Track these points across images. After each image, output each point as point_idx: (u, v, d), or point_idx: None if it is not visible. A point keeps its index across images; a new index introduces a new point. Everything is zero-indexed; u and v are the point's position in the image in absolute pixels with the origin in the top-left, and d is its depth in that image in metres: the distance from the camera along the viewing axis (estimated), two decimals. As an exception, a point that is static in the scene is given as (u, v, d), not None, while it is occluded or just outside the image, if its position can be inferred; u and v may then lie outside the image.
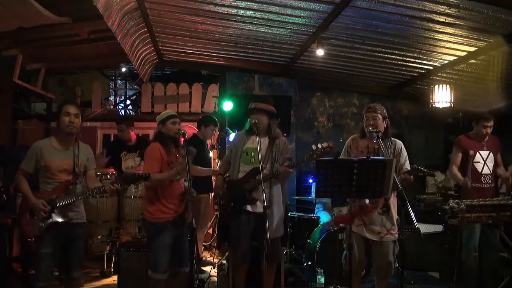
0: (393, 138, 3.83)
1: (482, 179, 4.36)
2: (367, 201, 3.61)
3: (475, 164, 4.38)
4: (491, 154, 4.41)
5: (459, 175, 4.40)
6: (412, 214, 3.17)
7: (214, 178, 5.05)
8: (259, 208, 3.71)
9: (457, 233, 4.39)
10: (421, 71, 6.21)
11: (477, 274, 4.25)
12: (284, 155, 3.85)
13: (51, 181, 3.32)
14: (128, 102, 10.18)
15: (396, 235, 3.61)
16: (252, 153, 3.82)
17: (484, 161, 4.38)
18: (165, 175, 3.54)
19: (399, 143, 3.80)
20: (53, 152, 3.33)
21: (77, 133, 3.40)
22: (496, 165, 4.42)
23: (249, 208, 3.75)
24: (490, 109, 4.76)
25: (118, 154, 5.36)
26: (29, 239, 3.30)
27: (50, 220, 3.23)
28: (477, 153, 4.40)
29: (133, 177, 3.32)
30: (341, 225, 4.56)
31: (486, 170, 4.37)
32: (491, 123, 4.38)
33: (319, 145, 3.62)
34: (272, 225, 3.70)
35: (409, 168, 3.66)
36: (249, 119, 3.88)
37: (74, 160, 3.37)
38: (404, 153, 3.76)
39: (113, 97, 9.61)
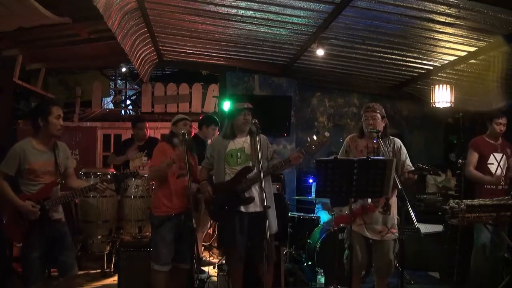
0: (391, 137, 3.84)
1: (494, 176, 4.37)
2: (369, 200, 3.62)
3: (489, 165, 4.41)
4: (504, 157, 4.44)
5: (479, 174, 4.40)
6: (412, 214, 3.17)
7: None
8: (252, 208, 3.70)
9: (457, 233, 4.40)
10: (421, 71, 6.21)
11: (485, 274, 4.26)
12: (269, 149, 3.88)
13: (36, 183, 3.26)
14: (128, 102, 10.19)
15: (397, 234, 3.62)
16: (238, 154, 3.79)
17: (498, 163, 4.40)
18: (160, 165, 3.68)
19: (398, 141, 3.81)
20: (36, 154, 3.26)
21: None
22: (508, 167, 4.45)
23: (242, 209, 3.72)
24: (501, 107, 4.77)
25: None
26: (18, 245, 3.25)
27: (40, 223, 3.20)
28: (492, 155, 4.42)
29: (123, 175, 3.60)
30: (341, 225, 4.55)
31: (499, 172, 4.40)
32: (503, 120, 4.42)
33: (314, 137, 3.62)
34: (269, 222, 3.70)
35: (410, 165, 3.69)
36: (231, 121, 3.87)
37: (56, 161, 3.32)
38: (404, 150, 3.77)
39: (114, 96, 9.61)
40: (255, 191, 3.69)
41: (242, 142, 3.83)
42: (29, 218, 3.18)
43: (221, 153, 3.85)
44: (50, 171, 3.31)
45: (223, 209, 3.80)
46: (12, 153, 3.24)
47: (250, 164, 3.71)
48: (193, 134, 5.49)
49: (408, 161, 3.73)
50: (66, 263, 3.36)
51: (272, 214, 3.80)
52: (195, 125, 6.20)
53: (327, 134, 3.64)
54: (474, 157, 4.46)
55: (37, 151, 3.28)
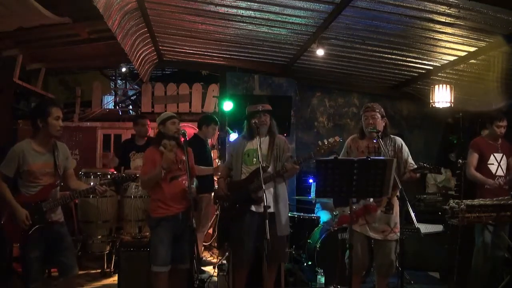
0: (392, 136, 3.84)
1: (496, 180, 4.40)
2: (371, 200, 3.62)
3: (489, 166, 4.43)
4: (504, 157, 4.46)
5: (479, 176, 4.42)
6: (412, 214, 3.16)
7: (216, 178, 5.06)
8: (263, 208, 3.71)
9: (457, 233, 4.41)
10: (421, 71, 6.21)
11: (486, 275, 4.26)
12: (286, 153, 3.89)
13: (35, 185, 3.25)
14: (128, 102, 10.20)
15: (398, 234, 3.62)
16: (254, 154, 3.84)
17: (498, 163, 4.42)
18: (150, 174, 3.64)
19: (399, 139, 3.81)
20: (35, 156, 3.24)
21: None
22: (508, 168, 4.46)
23: (253, 208, 3.76)
24: (501, 107, 4.78)
25: (127, 154, 5.37)
26: (15, 245, 3.26)
27: (35, 226, 3.19)
28: (492, 155, 4.43)
29: (120, 178, 3.54)
30: (344, 225, 4.55)
31: (500, 172, 4.43)
32: (504, 123, 4.43)
33: (325, 141, 3.63)
34: (281, 224, 3.73)
35: (413, 163, 3.69)
36: (247, 122, 3.92)
37: (55, 162, 3.31)
38: (406, 148, 3.77)
39: (114, 96, 9.62)
40: (267, 191, 3.67)
41: (261, 141, 3.83)
42: (19, 224, 3.16)
43: (239, 153, 3.92)
44: (49, 173, 3.30)
45: (234, 207, 3.85)
46: (11, 155, 3.23)
47: (265, 165, 3.72)
48: (193, 134, 5.51)
49: (410, 159, 3.73)
50: (66, 264, 3.35)
51: (285, 216, 3.81)
52: (194, 125, 6.21)
53: (337, 138, 3.64)
54: (474, 157, 4.47)
55: (36, 152, 3.26)
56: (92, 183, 4.98)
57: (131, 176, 3.67)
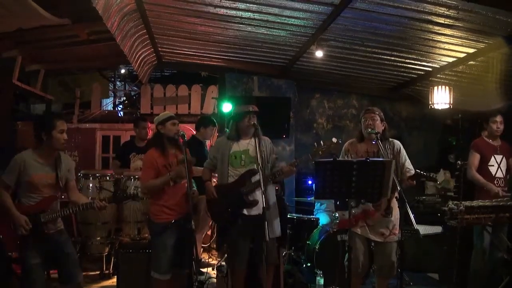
0: (390, 139, 3.84)
1: (495, 182, 4.39)
2: (370, 205, 3.62)
3: (489, 167, 4.42)
4: (504, 158, 4.46)
5: (481, 178, 4.40)
6: (412, 216, 3.17)
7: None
8: (255, 210, 3.69)
9: (456, 234, 4.41)
10: (420, 72, 6.22)
11: (485, 276, 4.26)
12: (272, 155, 3.87)
13: (35, 196, 3.23)
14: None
15: (398, 235, 3.62)
16: (242, 156, 3.79)
17: (498, 164, 4.42)
18: (157, 182, 3.60)
19: (397, 143, 3.81)
20: (37, 167, 3.21)
21: None
22: (508, 169, 4.47)
23: (245, 211, 3.72)
24: (500, 108, 4.81)
25: (127, 156, 5.37)
26: (9, 253, 3.24)
27: (32, 237, 3.17)
28: (492, 156, 4.43)
29: (122, 197, 3.54)
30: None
31: (499, 174, 4.42)
32: (499, 118, 4.44)
33: (322, 142, 3.63)
34: (272, 226, 3.70)
35: (410, 167, 3.70)
36: (236, 123, 3.86)
37: (57, 174, 3.28)
38: (404, 152, 3.77)
39: (113, 98, 9.62)
40: (259, 194, 3.65)
41: (246, 144, 3.81)
42: (18, 231, 3.14)
43: (224, 155, 3.82)
44: (50, 184, 3.27)
45: (226, 211, 3.78)
46: (12, 164, 3.20)
47: (255, 167, 3.68)
48: (191, 135, 5.51)
49: (408, 163, 3.73)
50: (70, 271, 3.31)
51: (275, 218, 3.79)
52: (193, 127, 6.21)
53: (334, 140, 3.63)
54: (475, 158, 4.46)
55: (38, 163, 3.23)
56: (91, 186, 5.00)
57: (131, 195, 3.61)
